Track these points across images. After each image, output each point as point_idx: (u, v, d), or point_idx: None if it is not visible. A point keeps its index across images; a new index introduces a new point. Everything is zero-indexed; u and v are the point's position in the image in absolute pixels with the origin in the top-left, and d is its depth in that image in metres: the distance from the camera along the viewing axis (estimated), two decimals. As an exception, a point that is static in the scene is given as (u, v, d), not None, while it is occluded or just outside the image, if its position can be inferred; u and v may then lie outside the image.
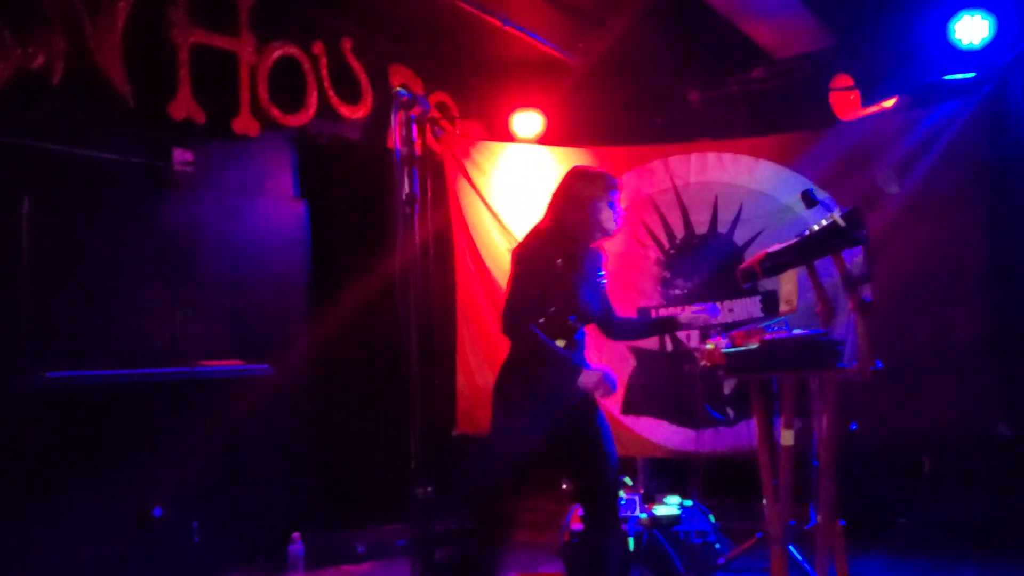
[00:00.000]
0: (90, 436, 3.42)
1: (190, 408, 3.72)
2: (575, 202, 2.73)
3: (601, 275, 2.90)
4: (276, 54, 4.28)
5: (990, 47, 4.02)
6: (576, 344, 2.76)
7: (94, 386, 3.36)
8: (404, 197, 1.89)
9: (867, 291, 2.65)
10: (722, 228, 4.48)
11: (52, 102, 3.45)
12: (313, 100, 4.45)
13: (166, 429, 3.65)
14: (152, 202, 3.83)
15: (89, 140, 3.59)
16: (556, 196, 2.80)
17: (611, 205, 2.77)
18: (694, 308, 3.08)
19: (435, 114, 5.03)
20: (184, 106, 3.86)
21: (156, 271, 3.79)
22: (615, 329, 3.06)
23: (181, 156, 3.90)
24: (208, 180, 4.06)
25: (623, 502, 3.60)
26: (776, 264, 2.82)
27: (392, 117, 1.84)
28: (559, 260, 2.67)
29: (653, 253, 4.56)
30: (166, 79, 3.82)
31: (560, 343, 2.68)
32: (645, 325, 3.61)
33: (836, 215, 2.63)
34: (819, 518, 2.78)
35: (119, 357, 3.50)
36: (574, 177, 2.80)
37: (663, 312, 4.49)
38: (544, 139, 4.86)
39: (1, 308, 3.24)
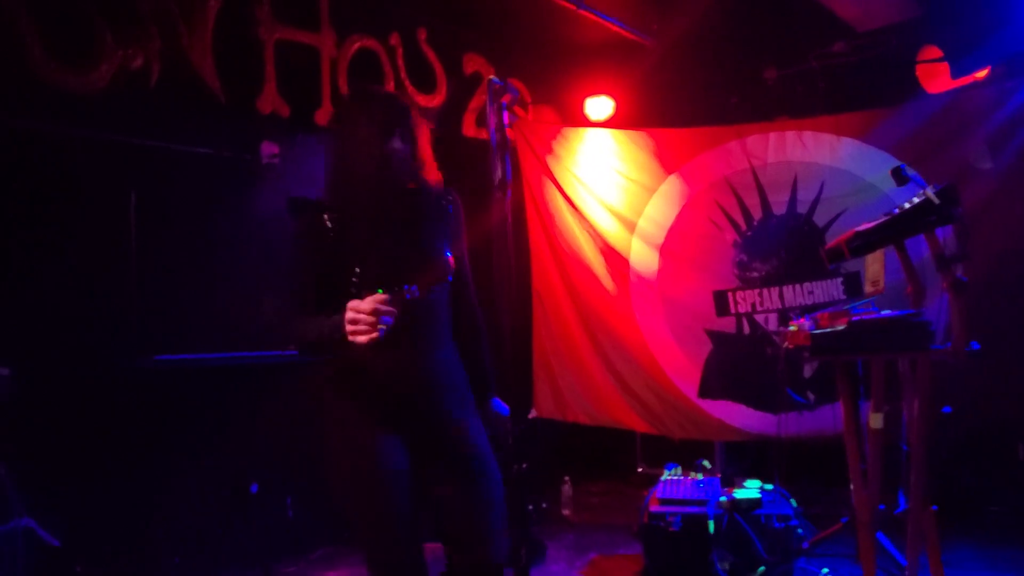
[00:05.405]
0: (193, 416, 3.62)
1: (285, 389, 3.88)
2: None
3: None
4: (355, 46, 4.40)
5: (1093, 12, 3.82)
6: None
7: (197, 368, 3.56)
8: (496, 183, 1.94)
9: (960, 270, 2.57)
10: (801, 208, 4.38)
11: (151, 100, 3.64)
12: (390, 90, 4.56)
13: (263, 409, 3.82)
14: (243, 194, 4.01)
15: (185, 135, 3.76)
16: None
17: None
18: None
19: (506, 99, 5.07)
20: (270, 100, 4.01)
21: (248, 260, 3.96)
22: None
23: (268, 149, 4.06)
24: (293, 172, 4.20)
25: (702, 484, 3.60)
26: (865, 243, 2.75)
27: (488, 106, 1.90)
28: None
29: (729, 235, 4.49)
30: (254, 74, 3.98)
31: None
32: None
33: (930, 192, 2.56)
34: (910, 504, 2.73)
35: (219, 341, 3.69)
36: None
37: (739, 295, 4.44)
38: (618, 122, 4.84)
39: (114, 297, 3.46)
